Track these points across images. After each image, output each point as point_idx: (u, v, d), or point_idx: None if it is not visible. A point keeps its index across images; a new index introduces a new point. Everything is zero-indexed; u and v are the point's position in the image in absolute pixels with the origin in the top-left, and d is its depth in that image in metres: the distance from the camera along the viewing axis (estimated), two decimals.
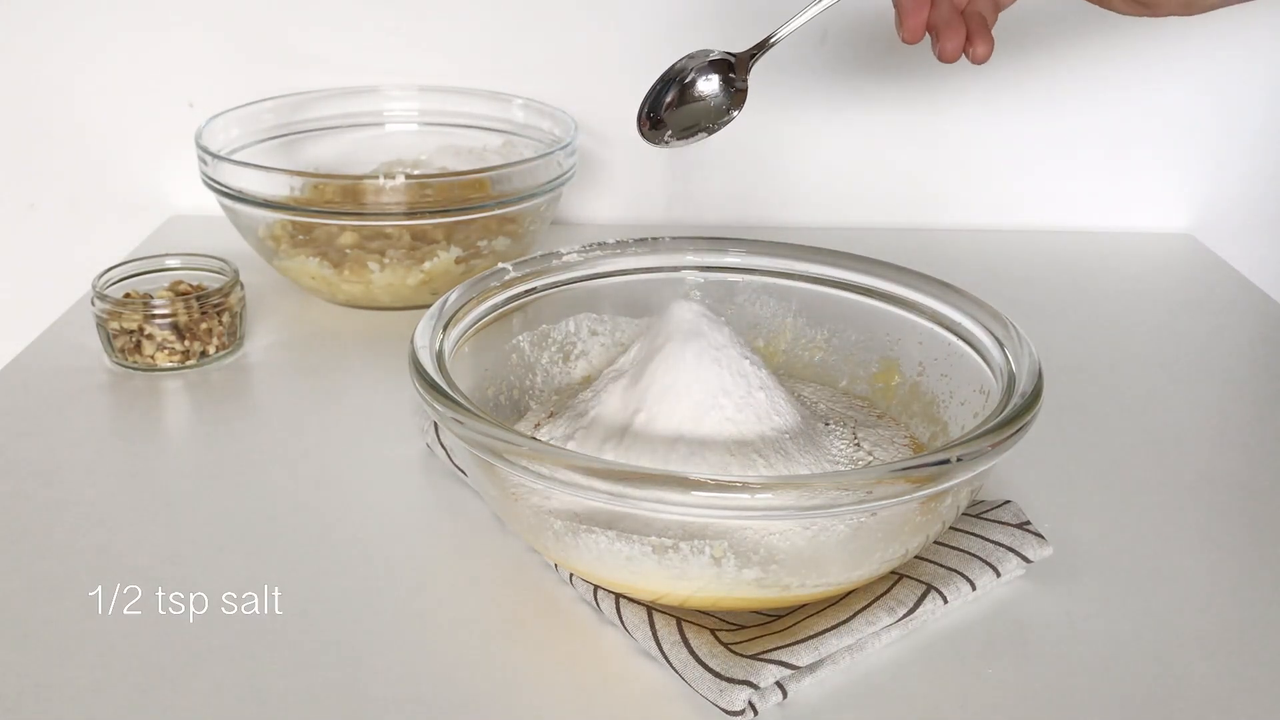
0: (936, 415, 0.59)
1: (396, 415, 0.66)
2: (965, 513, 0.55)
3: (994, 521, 0.55)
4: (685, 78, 0.58)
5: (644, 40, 0.92)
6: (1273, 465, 0.64)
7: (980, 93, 0.95)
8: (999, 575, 0.52)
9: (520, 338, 0.62)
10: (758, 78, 0.93)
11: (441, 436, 0.61)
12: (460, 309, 0.57)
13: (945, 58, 0.57)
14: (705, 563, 0.45)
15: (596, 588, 0.50)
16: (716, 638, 0.47)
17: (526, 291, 0.62)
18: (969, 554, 0.52)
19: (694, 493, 0.42)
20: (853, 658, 0.48)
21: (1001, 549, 0.53)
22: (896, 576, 0.51)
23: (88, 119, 0.94)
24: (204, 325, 0.71)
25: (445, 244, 0.78)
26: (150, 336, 0.70)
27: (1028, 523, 0.55)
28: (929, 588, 0.50)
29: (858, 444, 0.58)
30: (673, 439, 0.51)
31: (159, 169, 0.95)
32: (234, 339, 0.73)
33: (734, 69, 0.59)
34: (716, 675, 0.45)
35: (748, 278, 0.66)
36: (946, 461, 0.44)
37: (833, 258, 0.64)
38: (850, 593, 0.50)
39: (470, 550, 0.56)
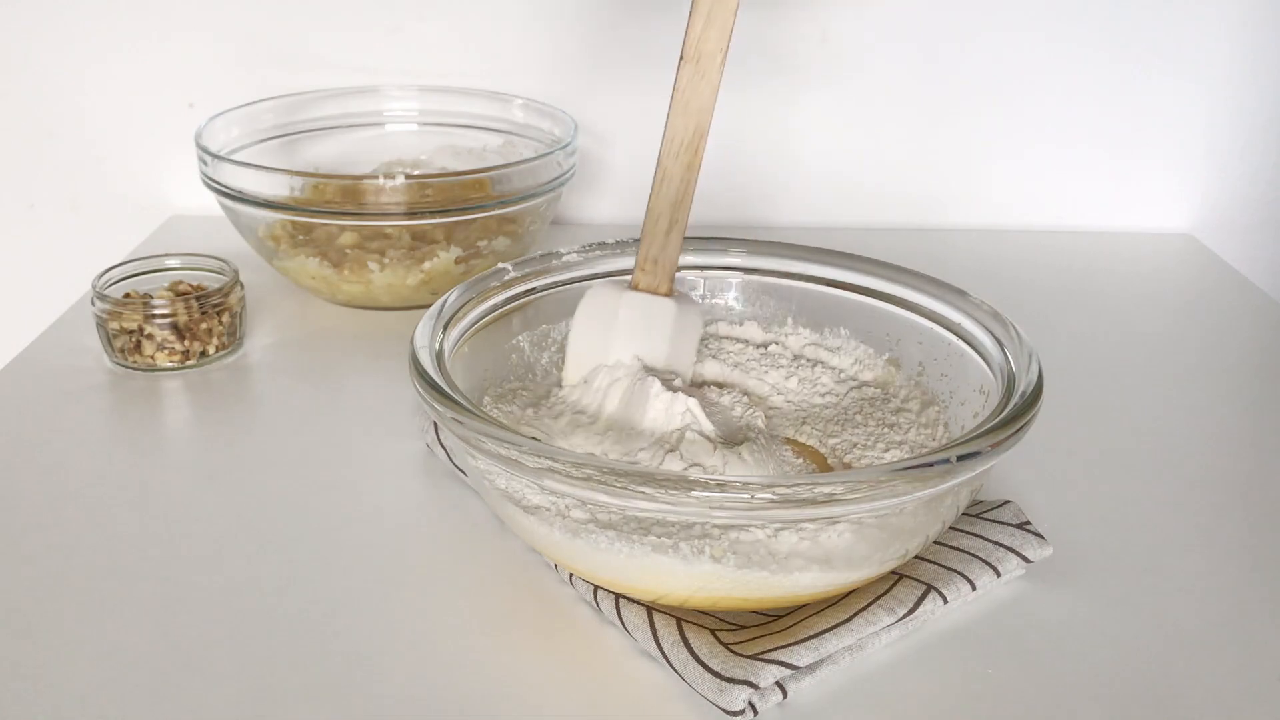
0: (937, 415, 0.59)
1: (396, 415, 0.66)
2: (965, 513, 0.55)
3: (994, 521, 0.55)
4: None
5: (644, 40, 0.92)
6: (1272, 465, 0.64)
7: (980, 93, 0.95)
8: (999, 575, 0.52)
9: (520, 338, 0.62)
10: (758, 77, 0.93)
11: (441, 436, 0.62)
12: (460, 309, 0.57)
13: None
14: (705, 563, 0.45)
15: (596, 588, 0.50)
16: (716, 638, 0.47)
17: (526, 291, 0.62)
18: (969, 554, 0.52)
19: (694, 493, 0.42)
20: (853, 658, 0.48)
21: (1001, 549, 0.53)
22: (896, 576, 0.51)
23: (88, 119, 0.94)
24: (204, 325, 0.71)
25: (445, 244, 0.78)
26: (150, 336, 0.70)
27: (1028, 523, 0.55)
28: (929, 588, 0.50)
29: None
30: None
31: (159, 169, 0.96)
32: (234, 339, 0.73)
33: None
34: (716, 675, 0.45)
35: (748, 278, 0.66)
36: (946, 461, 0.44)
37: (833, 258, 0.64)
38: (850, 593, 0.50)
39: (470, 550, 0.56)
